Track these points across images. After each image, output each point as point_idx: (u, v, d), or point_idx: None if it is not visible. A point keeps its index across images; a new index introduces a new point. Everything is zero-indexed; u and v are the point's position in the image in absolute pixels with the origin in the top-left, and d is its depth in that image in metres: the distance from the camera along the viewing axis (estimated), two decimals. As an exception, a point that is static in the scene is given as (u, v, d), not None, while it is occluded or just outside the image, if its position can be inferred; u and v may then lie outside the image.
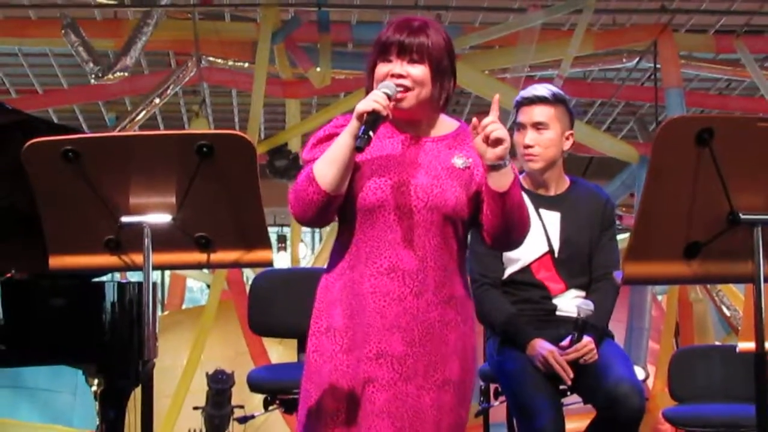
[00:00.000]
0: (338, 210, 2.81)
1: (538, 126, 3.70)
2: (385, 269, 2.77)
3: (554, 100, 3.73)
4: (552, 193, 3.78)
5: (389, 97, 2.71)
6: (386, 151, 2.82)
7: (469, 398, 2.88)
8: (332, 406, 2.76)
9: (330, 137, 2.81)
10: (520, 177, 3.79)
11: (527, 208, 2.84)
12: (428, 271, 2.77)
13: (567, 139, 3.75)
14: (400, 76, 2.76)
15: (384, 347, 2.74)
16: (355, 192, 2.78)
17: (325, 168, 2.71)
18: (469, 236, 2.98)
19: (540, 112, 3.71)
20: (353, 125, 2.69)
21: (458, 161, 2.83)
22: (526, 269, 3.71)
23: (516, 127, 3.75)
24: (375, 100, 2.67)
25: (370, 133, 2.64)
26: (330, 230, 8.12)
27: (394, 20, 2.87)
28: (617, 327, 3.85)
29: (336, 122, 2.86)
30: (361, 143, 2.63)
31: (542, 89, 3.76)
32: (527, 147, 3.70)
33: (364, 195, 2.78)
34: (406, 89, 2.77)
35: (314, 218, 2.80)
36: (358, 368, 2.75)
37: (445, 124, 2.92)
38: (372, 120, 2.66)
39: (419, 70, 2.77)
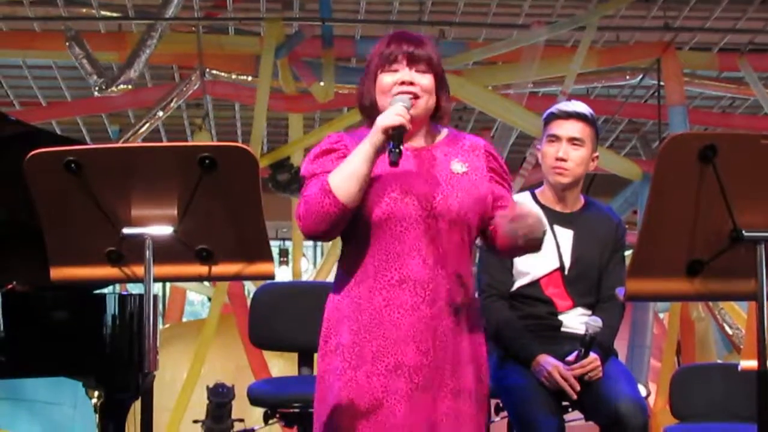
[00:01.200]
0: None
1: (574, 141, 3.72)
2: (396, 281, 2.78)
3: (591, 121, 3.77)
4: (567, 210, 3.79)
5: (407, 110, 2.75)
6: (384, 165, 2.82)
7: (485, 406, 2.89)
8: (346, 424, 2.77)
9: (329, 152, 2.82)
10: (537, 192, 3.80)
11: (543, 227, 2.84)
12: (439, 279, 2.79)
13: (593, 160, 3.77)
14: (411, 83, 2.79)
15: (400, 359, 2.76)
16: (360, 207, 2.79)
17: (345, 181, 2.73)
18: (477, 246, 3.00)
19: (578, 129, 3.73)
20: (377, 139, 2.71)
21: (457, 166, 2.86)
22: (535, 283, 3.71)
23: (548, 138, 3.75)
24: (398, 114, 2.71)
25: (401, 147, 2.68)
26: (331, 245, 8.11)
27: (393, 33, 2.91)
28: (619, 344, 3.84)
29: (330, 139, 2.89)
30: (394, 158, 2.67)
31: (582, 107, 3.79)
32: (560, 160, 3.71)
33: (368, 209, 2.80)
34: (416, 97, 2.79)
35: (327, 231, 2.81)
36: (370, 383, 2.75)
37: (435, 132, 2.96)
38: (398, 133, 2.69)
39: (427, 80, 2.83)
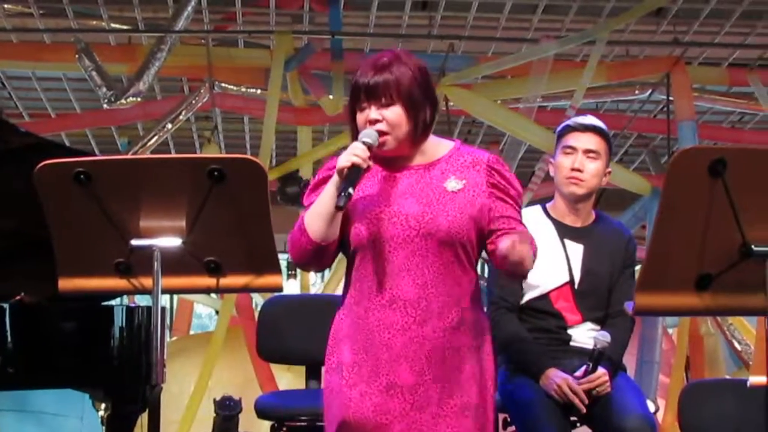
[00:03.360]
0: (338, 250, 2.85)
1: (590, 153, 3.72)
2: (386, 301, 2.78)
3: (606, 135, 3.79)
4: (578, 225, 3.79)
5: (370, 147, 2.72)
6: (376, 185, 2.84)
7: (492, 422, 2.86)
8: None
9: (324, 181, 2.82)
10: (548, 205, 3.80)
11: (533, 252, 2.80)
12: (430, 299, 2.77)
13: (606, 175, 3.77)
14: (377, 121, 2.77)
15: (393, 379, 2.75)
16: (350, 229, 2.81)
17: (314, 220, 2.77)
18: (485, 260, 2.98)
19: (595, 141, 3.74)
20: (336, 179, 2.71)
21: (450, 184, 2.82)
22: (544, 297, 3.70)
23: (563, 150, 3.75)
24: (354, 154, 2.69)
25: (350, 190, 2.66)
26: (339, 258, 8.11)
27: (362, 64, 2.86)
28: (628, 360, 3.83)
29: (330, 164, 2.88)
30: (341, 202, 2.66)
31: (597, 121, 3.82)
32: (576, 170, 3.71)
33: (357, 231, 2.80)
34: (385, 133, 2.77)
35: (311, 264, 2.89)
36: (363, 403, 2.75)
37: (439, 148, 2.92)
38: (352, 174, 2.68)
39: (392, 113, 2.77)
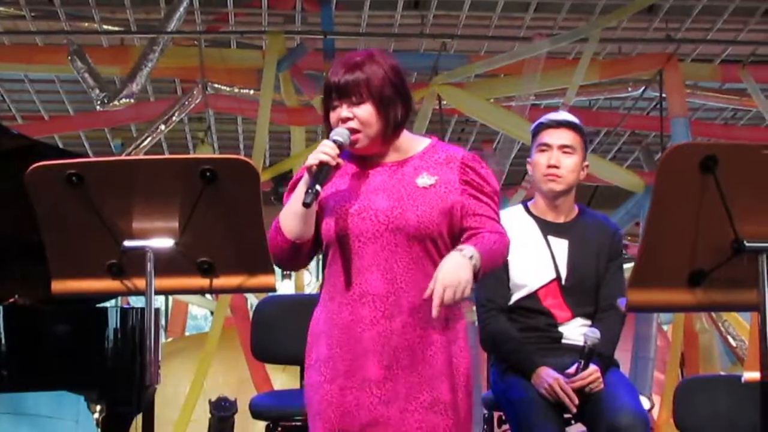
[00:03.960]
0: (315, 248, 2.88)
1: (565, 148, 3.73)
2: (357, 296, 2.80)
3: (580, 129, 3.80)
4: (561, 220, 3.79)
5: (340, 145, 2.75)
6: (348, 181, 2.87)
7: (469, 420, 2.86)
8: None
9: (298, 182, 2.83)
10: (530, 204, 3.80)
11: (499, 251, 2.82)
12: (400, 293, 2.78)
13: (583, 169, 3.78)
14: (348, 119, 2.79)
15: (363, 373, 2.77)
16: (322, 226, 2.84)
17: (288, 219, 2.80)
18: None
19: (569, 137, 3.75)
20: (306, 177, 2.74)
21: (421, 180, 2.84)
22: (532, 296, 3.70)
23: (538, 147, 3.76)
24: (323, 152, 2.71)
25: (318, 187, 2.68)
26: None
27: (333, 63, 2.91)
28: (623, 356, 3.83)
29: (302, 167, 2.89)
30: (308, 199, 2.67)
31: (569, 116, 3.84)
32: (552, 167, 3.72)
33: (327, 227, 2.83)
34: (357, 131, 2.80)
35: (288, 263, 2.91)
36: (343, 397, 2.77)
37: (413, 145, 2.93)
38: (321, 172, 2.70)
39: (363, 111, 2.80)
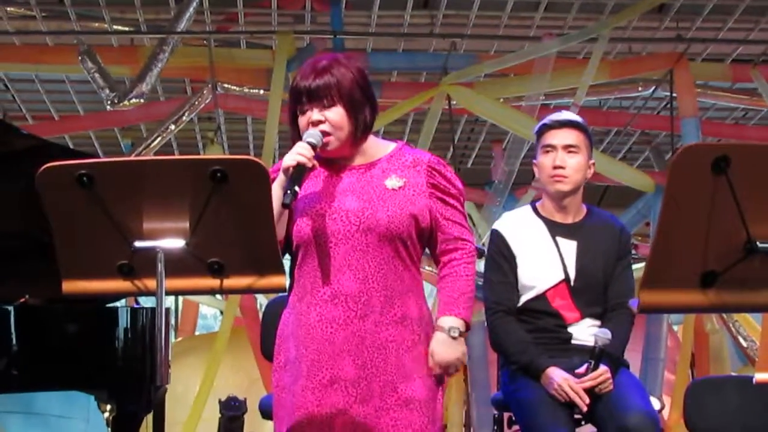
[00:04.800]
0: (285, 249, 2.92)
1: (569, 148, 3.72)
2: (328, 296, 2.84)
3: (584, 128, 3.79)
4: (569, 221, 3.78)
5: (314, 147, 2.80)
6: (319, 184, 2.91)
7: (440, 416, 2.90)
8: None
9: (272, 182, 2.86)
10: (537, 204, 3.80)
11: (473, 277, 2.94)
12: (371, 293, 2.83)
13: (589, 168, 3.77)
14: (319, 122, 2.84)
15: (336, 373, 2.80)
16: (293, 227, 2.88)
17: None
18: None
19: (573, 136, 3.74)
20: (281, 178, 2.79)
21: (390, 182, 2.89)
22: (541, 297, 3.70)
23: (542, 149, 3.75)
24: (299, 153, 2.77)
25: (296, 188, 2.73)
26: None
27: (301, 66, 2.95)
28: (633, 357, 3.82)
29: (276, 166, 2.94)
30: (287, 199, 2.72)
31: (572, 115, 3.84)
32: (558, 168, 3.71)
33: (299, 228, 2.88)
34: (328, 133, 2.84)
35: None
36: (305, 397, 2.80)
37: (379, 148, 3.00)
38: (297, 173, 2.75)
39: (334, 114, 2.85)
